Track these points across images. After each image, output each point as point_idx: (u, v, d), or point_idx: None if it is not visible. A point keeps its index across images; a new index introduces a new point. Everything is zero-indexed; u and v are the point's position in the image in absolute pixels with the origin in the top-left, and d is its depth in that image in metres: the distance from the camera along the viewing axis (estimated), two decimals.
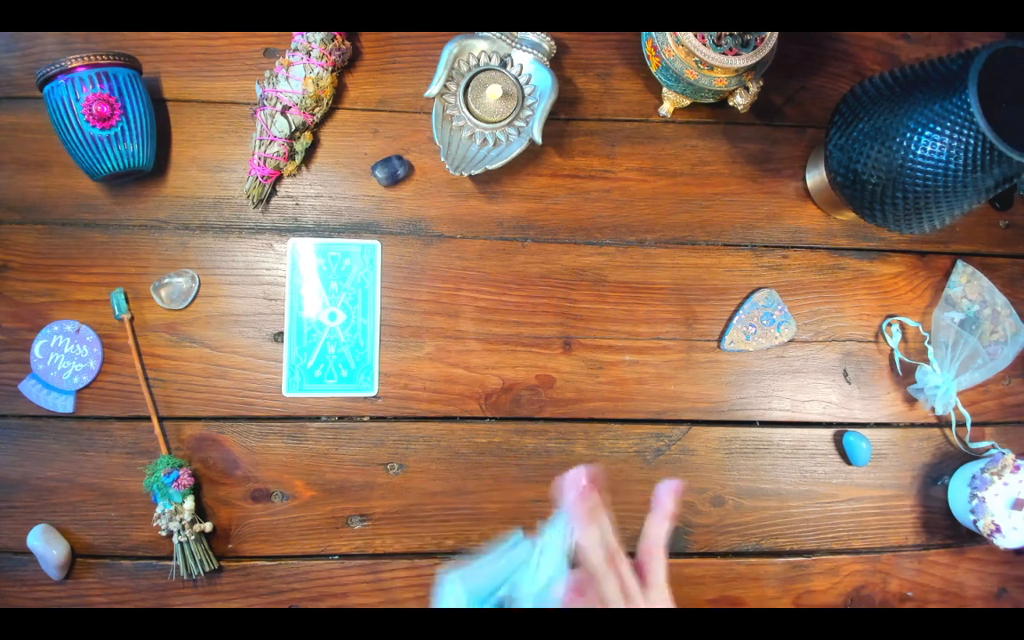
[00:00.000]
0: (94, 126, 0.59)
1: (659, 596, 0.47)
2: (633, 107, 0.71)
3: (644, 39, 0.68)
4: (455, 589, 0.42)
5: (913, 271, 0.72)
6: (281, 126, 0.64)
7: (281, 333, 0.66)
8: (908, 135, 0.54)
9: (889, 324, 0.71)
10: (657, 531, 0.45)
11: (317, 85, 0.64)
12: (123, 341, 0.64)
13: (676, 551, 0.68)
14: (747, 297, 0.69)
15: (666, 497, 0.45)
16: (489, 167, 0.64)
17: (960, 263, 0.72)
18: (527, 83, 0.66)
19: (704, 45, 0.61)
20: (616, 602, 0.45)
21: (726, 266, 0.70)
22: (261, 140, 0.65)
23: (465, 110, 0.65)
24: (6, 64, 0.66)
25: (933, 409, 0.69)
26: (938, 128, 0.52)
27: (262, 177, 0.65)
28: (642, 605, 0.45)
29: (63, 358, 0.64)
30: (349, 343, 0.66)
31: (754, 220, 0.71)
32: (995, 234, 0.73)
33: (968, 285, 0.71)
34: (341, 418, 0.66)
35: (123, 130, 0.60)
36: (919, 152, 0.54)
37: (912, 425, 0.71)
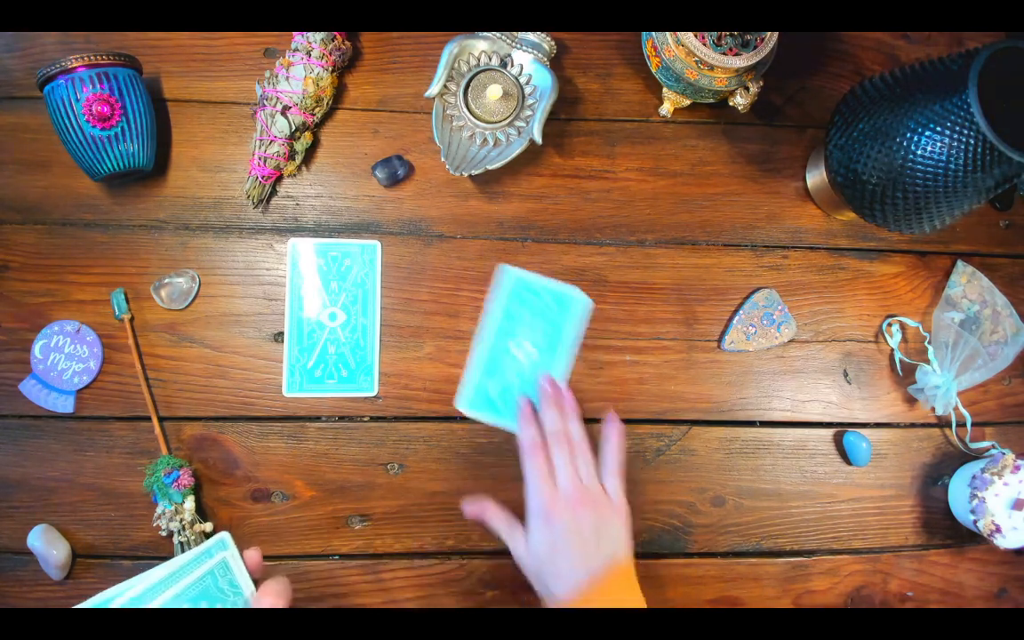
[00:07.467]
0: (94, 126, 0.59)
1: (611, 479, 0.59)
2: (633, 107, 0.71)
3: (644, 39, 0.68)
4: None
5: (913, 271, 0.72)
6: (281, 126, 0.64)
7: (281, 333, 0.66)
8: (908, 135, 0.54)
9: (889, 324, 0.71)
10: (612, 455, 0.60)
11: (317, 85, 0.64)
12: (123, 341, 0.64)
13: (676, 551, 0.68)
14: (747, 297, 0.69)
15: (610, 427, 0.61)
16: (489, 167, 0.64)
17: (960, 263, 0.72)
18: (527, 83, 0.66)
19: (704, 45, 0.61)
20: (564, 466, 0.58)
21: (726, 266, 0.70)
22: (261, 140, 0.65)
23: (465, 110, 0.65)
24: (6, 64, 0.66)
25: (933, 409, 0.69)
26: (938, 128, 0.52)
27: (262, 177, 0.65)
28: (585, 475, 0.58)
29: (63, 358, 0.64)
30: (349, 343, 0.66)
31: (754, 220, 0.71)
32: (995, 234, 0.73)
33: (968, 285, 0.71)
34: (341, 418, 0.66)
35: (123, 130, 0.60)
36: (919, 152, 0.54)
37: (912, 425, 0.71)
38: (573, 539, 0.55)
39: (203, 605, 0.44)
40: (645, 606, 0.56)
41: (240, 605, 0.45)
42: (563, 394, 0.62)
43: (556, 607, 0.55)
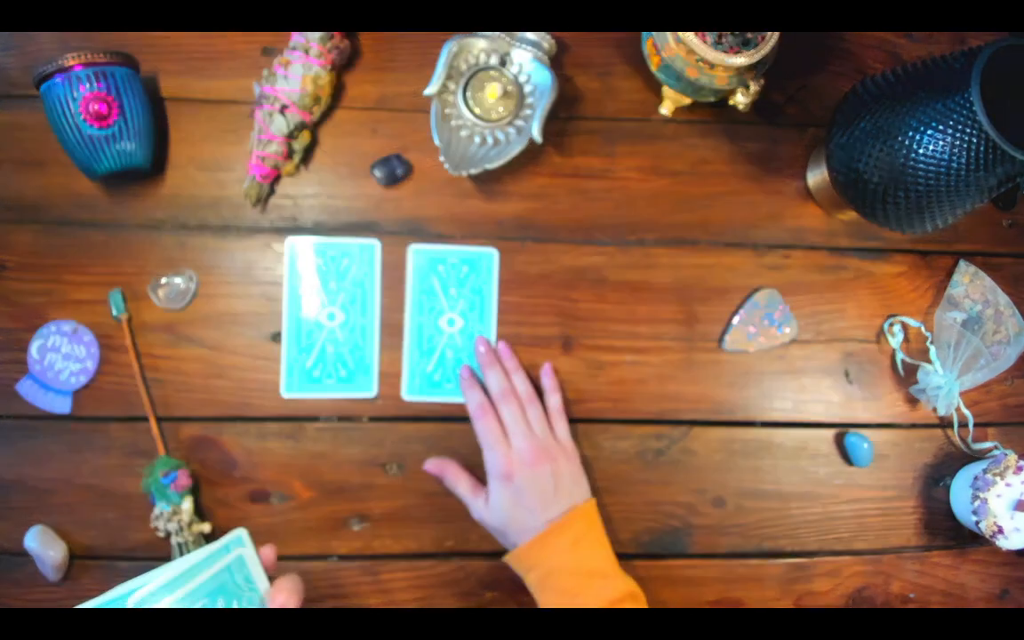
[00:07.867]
0: (91, 125, 0.59)
1: (559, 424, 0.63)
2: (633, 106, 0.70)
3: (644, 38, 0.68)
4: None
5: (915, 271, 0.71)
6: (279, 125, 0.64)
7: (279, 333, 0.65)
8: (910, 134, 0.54)
9: (891, 324, 0.70)
10: (553, 399, 0.64)
11: (316, 84, 0.64)
12: (121, 341, 0.64)
13: (676, 552, 0.67)
14: (748, 297, 0.69)
15: (547, 378, 0.65)
16: (489, 167, 0.63)
17: (962, 263, 0.71)
18: (527, 82, 0.66)
19: (705, 44, 0.61)
20: (516, 423, 0.61)
21: (727, 266, 0.69)
22: (259, 139, 0.64)
23: (464, 109, 0.65)
24: (2, 63, 0.66)
25: (935, 410, 0.69)
26: (940, 127, 0.52)
27: (260, 176, 0.65)
28: (537, 427, 0.62)
29: (60, 358, 0.63)
30: (348, 343, 0.66)
31: (755, 220, 0.70)
32: (998, 233, 0.73)
33: (971, 285, 0.71)
34: (340, 419, 0.65)
35: (120, 129, 0.60)
36: (921, 151, 0.54)
37: (914, 426, 0.71)
38: (533, 493, 0.58)
39: (220, 600, 0.44)
40: (607, 542, 0.59)
41: (256, 601, 0.46)
42: (500, 352, 0.65)
43: (516, 558, 0.59)
